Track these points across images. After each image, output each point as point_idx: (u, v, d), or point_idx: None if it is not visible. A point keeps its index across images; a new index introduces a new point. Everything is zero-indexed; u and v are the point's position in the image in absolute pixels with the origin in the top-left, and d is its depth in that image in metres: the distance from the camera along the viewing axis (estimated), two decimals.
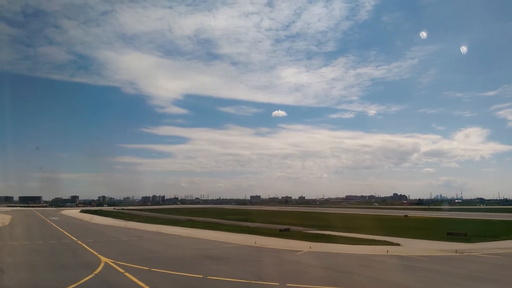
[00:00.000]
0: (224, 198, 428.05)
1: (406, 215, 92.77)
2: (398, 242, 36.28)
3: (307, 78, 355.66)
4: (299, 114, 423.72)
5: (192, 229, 52.74)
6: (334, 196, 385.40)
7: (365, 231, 45.34)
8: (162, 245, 34.81)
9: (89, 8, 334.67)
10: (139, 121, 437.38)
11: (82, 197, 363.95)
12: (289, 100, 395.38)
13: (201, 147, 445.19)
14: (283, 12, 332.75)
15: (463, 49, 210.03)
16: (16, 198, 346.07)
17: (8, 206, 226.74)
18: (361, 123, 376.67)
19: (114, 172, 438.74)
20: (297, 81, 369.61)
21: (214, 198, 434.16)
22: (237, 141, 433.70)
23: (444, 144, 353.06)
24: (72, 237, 40.39)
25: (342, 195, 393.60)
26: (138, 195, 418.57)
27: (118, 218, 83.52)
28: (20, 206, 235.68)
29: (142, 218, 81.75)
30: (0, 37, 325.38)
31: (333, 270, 21.90)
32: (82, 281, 18.05)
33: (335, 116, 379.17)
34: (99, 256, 26.17)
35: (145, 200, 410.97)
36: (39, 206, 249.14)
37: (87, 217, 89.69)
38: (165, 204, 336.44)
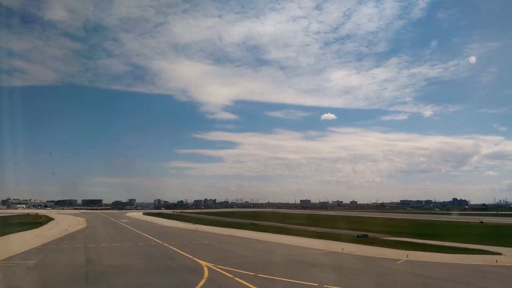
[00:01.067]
0: (273, 202, 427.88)
1: (482, 221, 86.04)
2: (498, 251, 33.14)
3: (357, 80, 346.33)
4: (349, 117, 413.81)
5: (264, 233, 52.23)
6: (388, 201, 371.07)
7: (449, 239, 42.25)
8: (247, 249, 34.49)
9: (144, 21, 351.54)
10: (191, 127, 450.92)
11: (138, 200, 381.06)
12: (339, 103, 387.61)
13: (250, 151, 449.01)
14: (331, 14, 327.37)
15: None
16: (79, 201, 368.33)
17: (74, 209, 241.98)
18: (415, 125, 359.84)
19: (168, 176, 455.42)
20: (347, 84, 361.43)
21: (263, 202, 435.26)
22: (286, 145, 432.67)
23: (507, 146, 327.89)
24: (156, 240, 41.41)
25: (397, 199, 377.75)
26: (191, 198, 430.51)
27: (184, 221, 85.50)
28: (85, 209, 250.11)
29: (207, 221, 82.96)
30: (65, 52, 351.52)
31: (457, 282, 20.04)
32: (199, 285, 17.95)
33: (387, 118, 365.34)
34: (196, 259, 26.23)
35: (197, 204, 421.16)
36: (102, 209, 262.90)
37: (154, 219, 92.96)
38: (217, 208, 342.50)
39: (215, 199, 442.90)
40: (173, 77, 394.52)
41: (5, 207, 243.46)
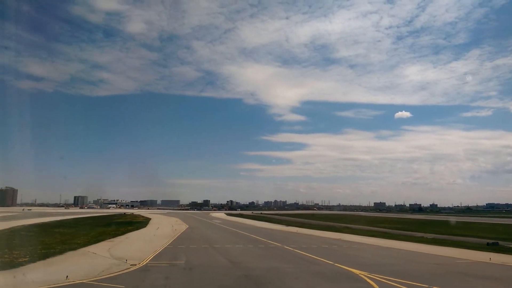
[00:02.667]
0: (345, 204, 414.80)
1: None
2: None
3: (434, 75, 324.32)
4: (426, 114, 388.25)
5: (373, 238, 49.04)
6: (472, 204, 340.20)
7: None
8: (380, 256, 31.80)
9: (214, 28, 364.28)
10: (260, 129, 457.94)
11: (212, 201, 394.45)
12: (414, 99, 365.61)
13: (319, 152, 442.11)
14: (405, 7, 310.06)
15: None
16: (159, 202, 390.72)
17: (157, 209, 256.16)
18: (501, 121, 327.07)
19: (239, 178, 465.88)
20: (423, 79, 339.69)
21: (334, 204, 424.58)
22: (357, 145, 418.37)
23: None
24: (270, 241, 40.49)
25: (482, 202, 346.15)
26: (261, 200, 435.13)
27: (271, 222, 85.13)
28: (167, 209, 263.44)
29: (298, 223, 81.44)
30: (142, 62, 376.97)
31: None
32: None
33: (469, 114, 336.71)
34: (340, 265, 24.47)
35: (268, 205, 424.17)
36: (181, 209, 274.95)
37: (242, 220, 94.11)
38: (288, 209, 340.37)
39: (285, 201, 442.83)
40: (242, 81, 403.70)
41: (98, 207, 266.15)
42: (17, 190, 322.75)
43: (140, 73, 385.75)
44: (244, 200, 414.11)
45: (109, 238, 41.77)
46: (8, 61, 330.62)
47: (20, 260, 24.81)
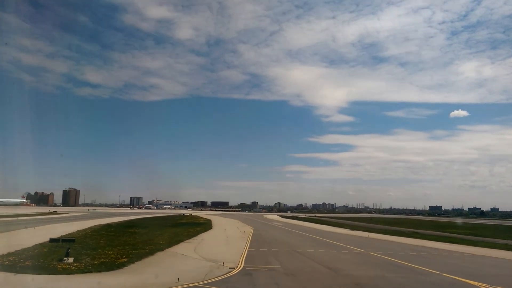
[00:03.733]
0: (397, 207, 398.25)
1: None
2: None
3: (492, 71, 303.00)
4: (484, 113, 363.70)
5: (456, 245, 45.54)
6: None
7: None
8: (488, 266, 28.88)
9: (260, 31, 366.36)
10: (306, 131, 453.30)
11: (260, 203, 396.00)
12: (471, 98, 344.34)
13: (368, 154, 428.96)
14: (459, 1, 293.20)
15: None
16: (209, 203, 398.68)
17: (210, 210, 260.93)
18: None
19: (285, 180, 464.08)
20: (480, 76, 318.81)
21: (386, 208, 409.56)
22: (408, 146, 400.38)
23: None
24: (352, 247, 38.85)
25: None
26: (308, 202, 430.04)
27: (333, 226, 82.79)
28: (219, 210, 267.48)
29: (364, 228, 78.49)
30: (191, 67, 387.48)
31: None
32: None
33: None
34: (451, 276, 22.52)
35: (316, 207, 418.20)
36: (231, 210, 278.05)
37: (301, 222, 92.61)
38: (338, 212, 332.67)
39: (335, 203, 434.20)
40: (288, 83, 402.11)
41: (154, 207, 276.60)
42: (79, 191, 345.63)
43: (189, 78, 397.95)
44: (291, 202, 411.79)
45: (186, 239, 42.28)
46: (69, 70, 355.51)
47: (120, 260, 25.42)
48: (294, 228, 72.48)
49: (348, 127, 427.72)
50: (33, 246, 31.14)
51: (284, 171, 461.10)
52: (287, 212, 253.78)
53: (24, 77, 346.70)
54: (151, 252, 30.16)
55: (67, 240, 32.82)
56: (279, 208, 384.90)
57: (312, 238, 50.58)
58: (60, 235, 40.65)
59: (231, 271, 22.66)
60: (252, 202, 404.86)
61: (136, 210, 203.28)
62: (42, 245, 32.58)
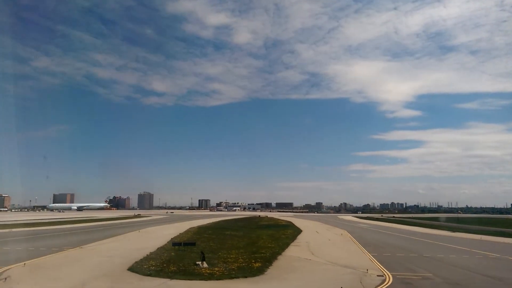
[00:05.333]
0: (473, 206, 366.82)
1: None
2: None
3: None
4: None
5: None
6: None
7: None
8: None
9: (317, 29, 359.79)
10: (369, 128, 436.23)
11: (324, 203, 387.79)
12: None
13: (438, 149, 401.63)
14: None
15: None
16: (273, 204, 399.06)
17: (278, 211, 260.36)
18: None
19: (350, 180, 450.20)
20: None
21: (461, 206, 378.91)
22: (483, 140, 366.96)
23: None
24: (485, 252, 35.10)
25: None
26: (375, 202, 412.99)
27: (425, 227, 77.19)
28: (285, 211, 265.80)
29: (463, 229, 72.04)
30: (250, 70, 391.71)
31: None
32: None
33: None
34: None
35: (384, 208, 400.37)
36: (297, 211, 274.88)
37: (387, 224, 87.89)
38: (411, 212, 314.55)
39: (405, 203, 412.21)
40: (348, 79, 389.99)
41: (226, 210, 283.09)
42: (153, 194, 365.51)
43: (247, 81, 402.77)
44: (357, 202, 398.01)
45: (291, 242, 41.34)
46: (137, 81, 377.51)
47: (256, 265, 24.83)
48: (385, 229, 68.65)
49: (416, 122, 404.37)
50: (157, 250, 31.98)
51: (348, 170, 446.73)
52: (357, 213, 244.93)
53: (97, 89, 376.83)
54: (273, 256, 29.38)
55: (188, 244, 33.34)
56: (345, 208, 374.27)
57: (418, 240, 46.94)
58: (170, 238, 41.91)
59: (384, 279, 20.91)
60: (316, 203, 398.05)
61: (210, 213, 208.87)
62: (164, 248, 33.42)
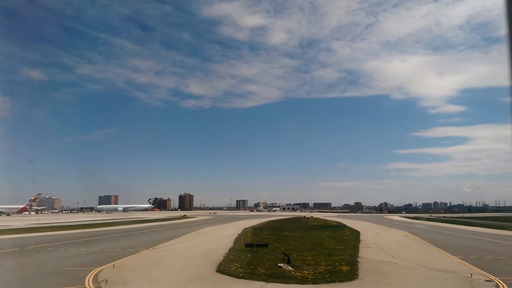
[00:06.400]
0: None
1: None
2: None
3: None
4: None
5: None
6: None
7: None
8: None
9: (354, 26, 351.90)
10: (410, 125, 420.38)
11: (363, 203, 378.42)
12: None
13: (484, 146, 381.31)
14: None
15: None
16: (311, 205, 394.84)
17: (318, 211, 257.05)
18: None
19: (389, 178, 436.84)
20: None
21: (509, 205, 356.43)
22: None
23: None
24: None
25: None
26: (417, 201, 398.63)
27: (485, 227, 72.46)
28: (325, 212, 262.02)
29: None
30: (285, 70, 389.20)
31: None
32: None
33: None
34: None
35: (427, 207, 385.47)
36: (339, 211, 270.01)
37: (443, 224, 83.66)
38: (457, 212, 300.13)
39: (449, 202, 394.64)
40: (387, 75, 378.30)
41: (266, 210, 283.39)
42: (193, 195, 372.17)
43: (283, 81, 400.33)
44: (397, 202, 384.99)
45: (358, 244, 39.75)
46: (175, 85, 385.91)
47: (343, 268, 23.76)
48: (447, 230, 65.14)
49: (460, 117, 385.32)
50: (230, 251, 31.59)
51: (387, 169, 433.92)
52: (401, 213, 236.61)
53: (137, 94, 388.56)
54: (353, 259, 28.06)
55: (260, 245, 32.73)
56: (386, 208, 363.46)
57: (493, 242, 43.75)
58: (234, 239, 41.57)
59: (495, 284, 19.21)
60: (355, 203, 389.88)
61: (251, 213, 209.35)
62: (236, 249, 33.01)
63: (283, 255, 26.48)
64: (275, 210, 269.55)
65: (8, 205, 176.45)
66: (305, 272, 22.29)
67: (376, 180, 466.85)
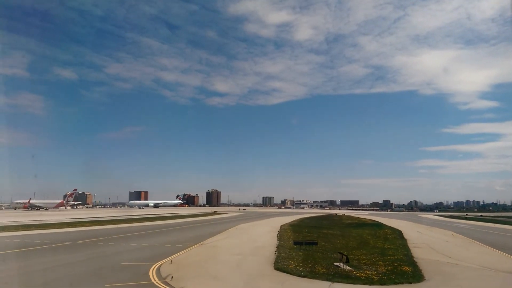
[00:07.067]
0: None
1: None
2: None
3: None
4: None
5: None
6: None
7: None
8: None
9: (382, 20, 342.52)
10: (440, 122, 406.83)
11: (392, 201, 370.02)
12: None
13: None
14: None
15: None
16: (338, 202, 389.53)
17: (347, 209, 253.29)
18: None
19: (418, 176, 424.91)
20: None
21: None
22: None
23: None
24: None
25: None
26: (447, 199, 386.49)
27: None
28: (354, 209, 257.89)
29: None
30: (311, 66, 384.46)
31: None
32: None
33: None
34: None
35: (458, 206, 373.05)
36: (368, 209, 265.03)
37: (487, 224, 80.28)
38: (492, 211, 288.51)
39: (482, 201, 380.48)
40: (415, 71, 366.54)
41: (294, 207, 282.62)
42: (220, 192, 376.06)
43: (308, 78, 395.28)
44: (427, 200, 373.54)
45: (406, 243, 38.51)
46: (200, 83, 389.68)
47: (406, 269, 22.92)
48: (492, 229, 62.51)
49: (492, 113, 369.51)
50: (279, 249, 31.22)
51: (416, 166, 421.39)
52: (434, 211, 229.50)
53: (164, 92, 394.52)
54: (409, 259, 27.11)
55: (309, 243, 32.15)
56: (416, 206, 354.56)
57: None
58: (276, 235, 41.21)
59: None
60: (383, 201, 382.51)
61: (279, 210, 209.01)
62: (283, 246, 32.65)
63: (339, 254, 25.82)
64: (303, 207, 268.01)
65: (44, 200, 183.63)
66: (367, 272, 21.61)
67: (404, 178, 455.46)
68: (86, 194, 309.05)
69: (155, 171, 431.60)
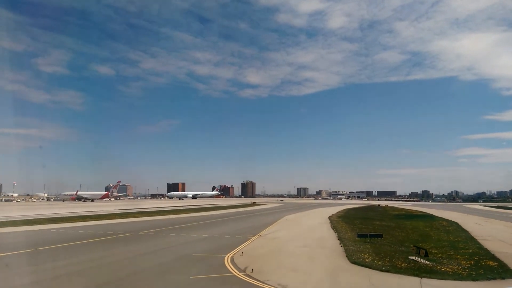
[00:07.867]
0: None
1: None
2: None
3: None
4: None
5: None
6: None
7: None
8: None
9: (419, 4, 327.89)
10: (481, 108, 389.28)
11: (431, 191, 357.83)
12: None
13: None
14: None
15: None
16: (374, 193, 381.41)
17: (386, 200, 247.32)
18: None
19: (458, 165, 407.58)
20: None
21: None
22: None
23: None
24: None
25: None
26: (492, 189, 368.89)
27: None
28: (392, 200, 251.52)
29: None
30: (344, 55, 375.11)
31: None
32: None
33: None
34: None
35: (501, 195, 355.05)
36: (402, 200, 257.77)
37: None
38: None
39: None
40: (455, 56, 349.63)
41: (331, 198, 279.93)
42: (255, 183, 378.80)
43: (342, 66, 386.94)
44: (468, 190, 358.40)
45: (472, 236, 36.72)
46: (233, 75, 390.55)
47: (491, 263, 21.61)
48: None
49: None
50: (342, 241, 30.47)
51: (456, 155, 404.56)
52: (478, 202, 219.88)
53: (198, 86, 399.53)
54: (486, 253, 25.63)
55: (374, 235, 31.26)
56: (457, 196, 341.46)
57: None
58: (329, 227, 40.44)
59: None
60: (422, 191, 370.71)
61: (316, 201, 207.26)
62: (347, 239, 31.86)
63: (414, 247, 24.82)
64: (340, 198, 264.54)
65: (90, 191, 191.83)
66: (451, 267, 20.53)
67: (444, 167, 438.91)
68: (127, 186, 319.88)
69: (190, 163, 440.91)
